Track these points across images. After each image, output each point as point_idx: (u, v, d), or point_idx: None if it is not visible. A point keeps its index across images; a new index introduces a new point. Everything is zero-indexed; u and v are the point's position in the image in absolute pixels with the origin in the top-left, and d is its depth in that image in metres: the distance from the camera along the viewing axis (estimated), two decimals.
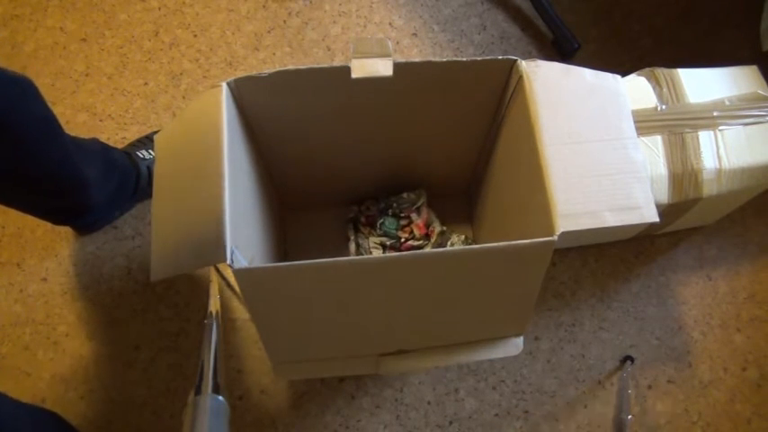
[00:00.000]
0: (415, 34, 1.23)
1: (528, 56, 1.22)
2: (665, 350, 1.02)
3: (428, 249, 0.97)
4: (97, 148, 0.93)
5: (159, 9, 1.22)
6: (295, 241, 1.03)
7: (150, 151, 1.03)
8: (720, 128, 0.89)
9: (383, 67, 0.70)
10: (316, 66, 0.70)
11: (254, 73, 0.68)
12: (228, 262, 0.58)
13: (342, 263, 0.61)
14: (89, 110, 1.13)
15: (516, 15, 1.26)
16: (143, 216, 1.06)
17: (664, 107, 0.89)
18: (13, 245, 1.03)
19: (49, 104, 0.78)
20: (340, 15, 1.24)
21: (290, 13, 1.23)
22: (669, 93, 0.90)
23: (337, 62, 1.20)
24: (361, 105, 0.78)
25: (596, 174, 0.67)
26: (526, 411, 0.97)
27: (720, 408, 0.99)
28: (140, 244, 1.04)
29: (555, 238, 0.62)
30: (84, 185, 0.89)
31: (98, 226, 1.04)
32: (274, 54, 1.20)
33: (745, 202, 1.01)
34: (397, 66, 0.70)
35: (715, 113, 0.89)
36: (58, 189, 0.86)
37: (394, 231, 0.98)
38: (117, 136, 1.11)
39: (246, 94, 0.71)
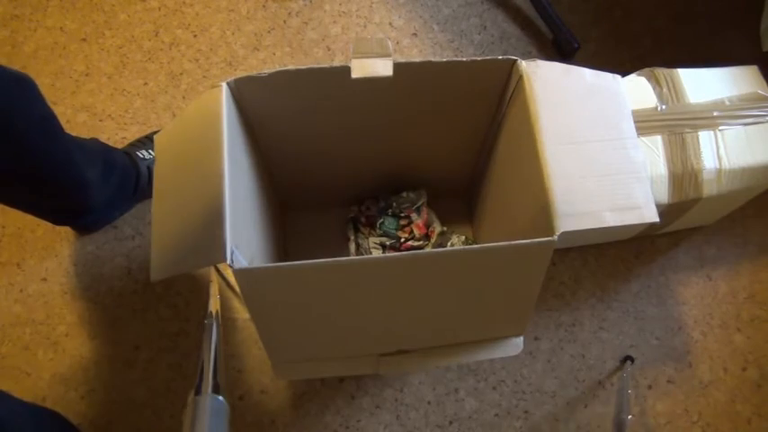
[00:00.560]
0: (415, 34, 1.23)
1: (528, 56, 1.22)
2: (665, 350, 1.02)
3: (428, 249, 0.97)
4: (97, 149, 0.93)
5: (159, 9, 1.22)
6: (295, 241, 1.03)
7: (150, 151, 1.03)
8: (720, 128, 0.89)
9: (383, 67, 0.70)
10: (316, 66, 0.70)
11: (254, 73, 0.68)
12: (228, 262, 0.58)
13: (342, 263, 0.61)
14: (89, 110, 1.13)
15: (516, 15, 1.26)
16: (143, 216, 1.06)
17: (664, 107, 0.89)
18: (13, 245, 1.03)
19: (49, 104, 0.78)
20: (340, 15, 1.24)
21: (290, 13, 1.23)
22: (669, 93, 0.90)
23: (337, 62, 1.20)
24: (361, 105, 0.78)
25: (596, 174, 0.67)
26: (526, 411, 0.97)
27: (720, 408, 0.99)
28: (140, 244, 1.04)
29: (555, 238, 0.62)
30: (85, 185, 0.89)
31: (98, 226, 1.04)
32: (274, 54, 1.20)
33: (745, 202, 1.01)
34: (397, 66, 0.70)
35: (715, 113, 0.89)
36: (58, 189, 0.86)
37: (394, 231, 0.98)
38: (117, 136, 1.11)
39: (246, 94, 0.71)
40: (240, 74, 0.68)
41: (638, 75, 0.94)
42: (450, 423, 0.96)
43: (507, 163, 0.83)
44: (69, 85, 1.15)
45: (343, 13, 1.24)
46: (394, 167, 0.96)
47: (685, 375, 1.01)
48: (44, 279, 1.02)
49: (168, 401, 0.95)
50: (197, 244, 0.61)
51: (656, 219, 0.66)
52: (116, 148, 1.00)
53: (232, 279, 0.62)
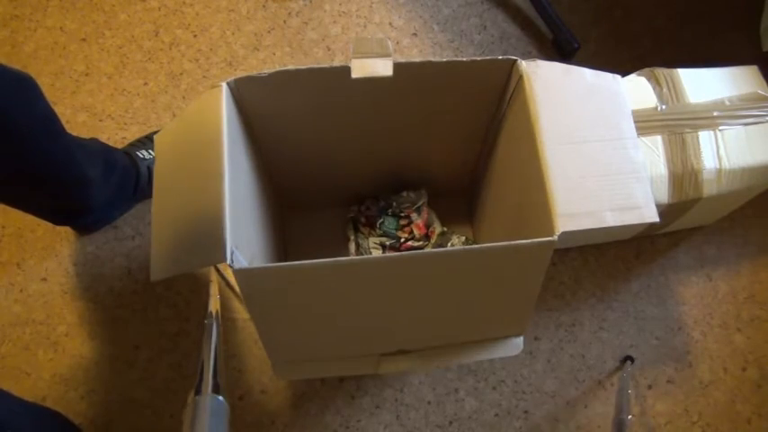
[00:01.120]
0: (415, 34, 1.23)
1: (528, 56, 1.22)
2: (665, 350, 1.02)
3: (428, 250, 0.97)
4: (98, 148, 0.93)
5: (159, 9, 1.22)
6: (295, 241, 1.03)
7: (150, 151, 1.03)
8: (720, 128, 0.89)
9: (383, 67, 0.70)
10: (316, 66, 0.70)
11: (254, 73, 0.68)
12: (228, 262, 0.58)
13: (342, 263, 0.61)
14: (89, 110, 1.13)
15: (516, 15, 1.26)
16: (143, 216, 1.06)
17: (664, 107, 0.89)
18: (13, 245, 1.03)
19: None
20: (340, 15, 1.24)
21: (290, 13, 1.23)
22: (669, 93, 0.90)
23: (337, 62, 1.20)
24: (361, 105, 0.78)
25: (596, 174, 0.67)
26: (526, 411, 0.97)
27: (720, 408, 0.99)
28: (140, 244, 1.04)
29: (555, 238, 0.62)
30: (86, 185, 0.89)
31: (98, 226, 1.04)
32: (274, 54, 1.20)
33: (745, 202, 1.01)
34: (397, 66, 0.70)
35: (715, 113, 0.89)
36: (60, 188, 0.86)
37: (393, 231, 0.98)
38: (117, 136, 1.11)
39: (246, 94, 0.71)
40: (240, 74, 0.68)
41: (638, 75, 0.94)
42: (450, 423, 0.96)
43: (507, 163, 0.83)
44: (69, 85, 1.15)
45: (343, 13, 1.24)
46: (394, 167, 0.96)
47: (685, 375, 1.01)
48: (44, 279, 1.02)
49: (168, 401, 0.95)
50: (197, 244, 0.61)
51: (656, 219, 0.66)
52: (116, 148, 1.00)
53: (232, 279, 0.62)
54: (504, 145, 0.82)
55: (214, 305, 0.86)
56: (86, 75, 1.16)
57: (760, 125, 0.89)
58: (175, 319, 1.00)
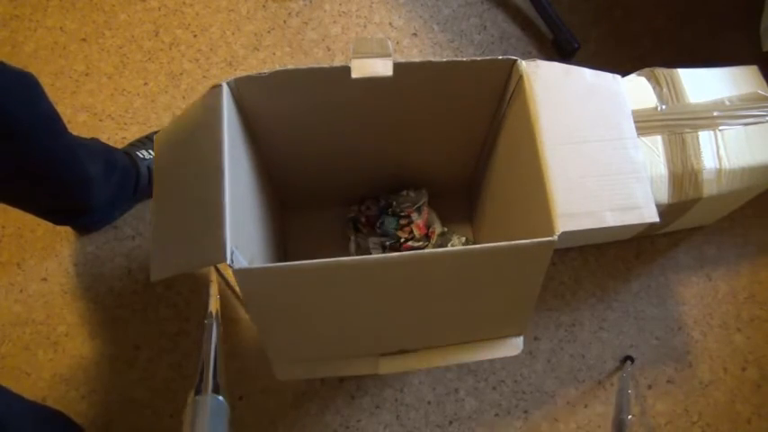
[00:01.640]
0: (415, 34, 1.23)
1: (528, 56, 1.22)
2: (665, 350, 1.02)
3: (428, 250, 0.97)
4: (99, 148, 0.93)
5: (159, 9, 1.22)
6: (295, 241, 1.03)
7: (150, 151, 1.03)
8: (720, 128, 0.89)
9: (383, 67, 0.70)
10: (316, 66, 0.70)
11: (254, 73, 0.68)
12: (228, 262, 0.58)
13: (342, 263, 0.61)
14: (89, 110, 1.13)
15: (516, 15, 1.26)
16: (143, 216, 1.06)
17: (664, 107, 0.89)
18: (13, 245, 1.03)
19: None
20: (340, 15, 1.24)
21: (290, 13, 1.23)
22: (669, 93, 0.90)
23: (337, 62, 1.20)
24: (361, 105, 0.78)
25: (596, 174, 0.67)
26: (526, 411, 0.97)
27: (720, 408, 0.99)
28: (140, 244, 1.04)
29: (555, 238, 0.62)
30: (87, 184, 0.88)
31: (98, 226, 1.04)
32: (274, 54, 1.20)
33: (745, 202, 1.01)
34: (397, 66, 0.70)
35: (715, 113, 0.89)
36: (61, 187, 0.86)
37: (393, 231, 0.98)
38: (117, 136, 1.11)
39: (246, 94, 0.71)
40: (240, 74, 0.68)
41: (638, 75, 0.94)
42: (451, 423, 0.96)
43: (507, 163, 0.83)
44: (69, 85, 1.15)
45: (343, 13, 1.24)
46: (394, 167, 0.96)
47: (685, 375, 1.01)
48: (44, 279, 1.02)
49: (168, 401, 0.95)
50: (197, 244, 0.61)
51: (656, 219, 0.67)
52: (116, 148, 1.00)
53: (232, 279, 0.62)
54: (504, 145, 0.82)
55: (214, 305, 0.86)
56: (86, 75, 1.16)
57: (760, 125, 0.89)
58: (175, 319, 1.00)
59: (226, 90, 0.67)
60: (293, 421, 0.95)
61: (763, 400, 1.00)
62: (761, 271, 1.08)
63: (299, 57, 1.20)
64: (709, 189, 0.88)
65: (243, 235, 0.66)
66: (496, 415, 0.97)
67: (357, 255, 0.98)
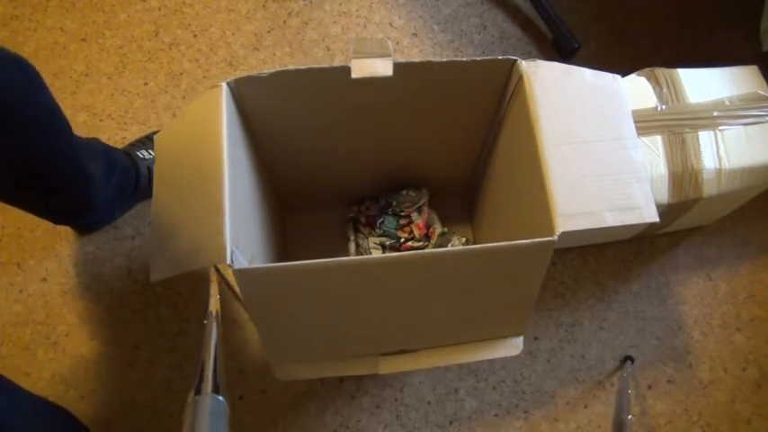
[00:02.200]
0: (415, 34, 1.23)
1: (528, 56, 1.22)
2: (665, 350, 1.02)
3: (428, 250, 0.97)
4: (99, 148, 0.93)
5: (159, 9, 1.22)
6: (295, 241, 1.03)
7: (150, 151, 1.03)
8: (720, 128, 0.89)
9: (383, 67, 0.70)
10: (316, 66, 0.70)
11: (254, 73, 0.68)
12: (228, 262, 0.58)
13: (342, 263, 0.61)
14: (89, 110, 1.13)
15: (516, 15, 1.26)
16: (143, 216, 1.06)
17: (664, 107, 0.89)
18: (13, 245, 1.03)
19: None
20: (340, 15, 1.24)
21: (290, 13, 1.23)
22: (669, 93, 0.90)
23: (337, 62, 1.20)
24: (361, 105, 0.78)
25: (596, 174, 0.67)
26: (526, 411, 0.97)
27: (720, 408, 0.99)
28: (140, 244, 1.04)
29: (555, 238, 0.62)
30: (88, 181, 0.88)
31: (98, 226, 1.04)
32: (274, 54, 1.20)
33: (745, 202, 1.01)
34: (397, 66, 0.70)
35: (715, 113, 0.89)
36: (61, 184, 0.86)
37: (393, 231, 0.98)
38: (117, 136, 1.11)
39: (246, 94, 0.71)
40: (240, 74, 0.68)
41: (638, 75, 0.94)
42: (451, 423, 0.96)
43: (507, 163, 0.83)
44: (69, 85, 1.15)
45: (343, 13, 1.24)
46: (394, 167, 0.96)
47: (685, 375, 1.01)
48: (44, 279, 1.02)
49: (168, 401, 0.95)
50: (197, 244, 0.61)
51: (656, 219, 0.66)
52: (116, 148, 1.00)
53: (232, 279, 0.62)
54: (504, 145, 0.82)
55: (214, 305, 0.86)
56: (86, 75, 1.16)
57: (760, 125, 0.89)
58: (175, 319, 1.00)
59: (226, 90, 0.67)
60: (293, 421, 0.95)
61: (763, 400, 1.00)
62: (761, 271, 1.08)
63: (299, 57, 1.20)
64: (709, 189, 0.88)
65: (243, 235, 0.66)
66: (496, 415, 0.97)
67: (357, 255, 0.98)
